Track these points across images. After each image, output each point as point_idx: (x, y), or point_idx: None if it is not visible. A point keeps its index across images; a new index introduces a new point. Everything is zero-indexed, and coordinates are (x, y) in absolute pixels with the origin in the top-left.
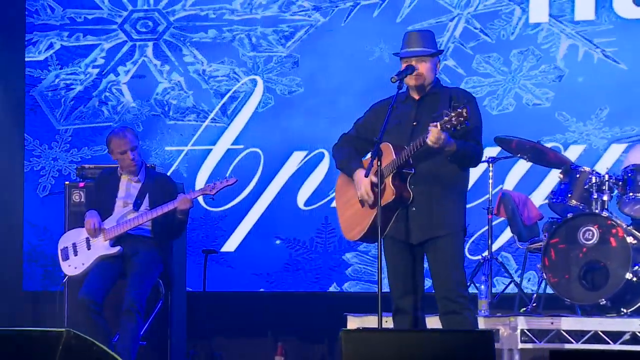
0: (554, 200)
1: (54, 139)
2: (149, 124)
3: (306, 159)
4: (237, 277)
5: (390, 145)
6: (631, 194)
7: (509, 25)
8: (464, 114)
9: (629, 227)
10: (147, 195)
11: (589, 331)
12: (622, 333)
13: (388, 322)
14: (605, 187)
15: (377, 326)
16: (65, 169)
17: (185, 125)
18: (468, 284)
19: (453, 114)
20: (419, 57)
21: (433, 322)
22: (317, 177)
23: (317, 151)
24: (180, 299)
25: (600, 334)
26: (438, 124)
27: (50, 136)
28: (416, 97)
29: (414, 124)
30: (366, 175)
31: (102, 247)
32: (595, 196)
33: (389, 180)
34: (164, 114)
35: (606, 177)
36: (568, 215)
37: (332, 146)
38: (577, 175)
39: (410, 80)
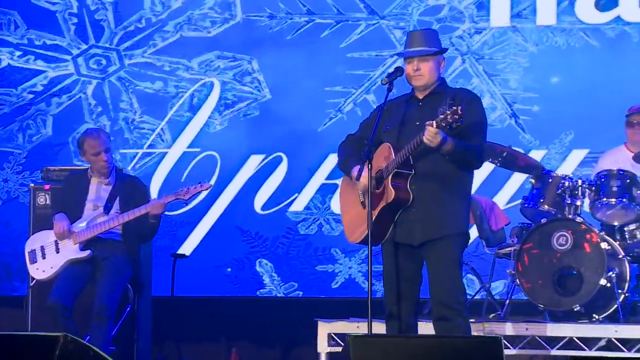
0: (525, 205)
1: None
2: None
3: (264, 162)
4: (192, 281)
5: (390, 146)
6: (604, 199)
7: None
8: (459, 111)
9: (601, 233)
10: (118, 198)
11: (564, 337)
12: (598, 339)
13: (360, 328)
14: (579, 192)
15: (357, 332)
16: None
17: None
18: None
19: (448, 112)
20: (422, 56)
21: (425, 328)
22: (274, 180)
23: (274, 155)
24: (147, 303)
25: (576, 340)
26: (434, 122)
27: None
28: (420, 96)
29: (417, 123)
30: (357, 178)
31: (71, 250)
32: (568, 201)
33: (388, 182)
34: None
35: (579, 182)
36: (542, 220)
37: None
38: (550, 180)
39: (414, 81)
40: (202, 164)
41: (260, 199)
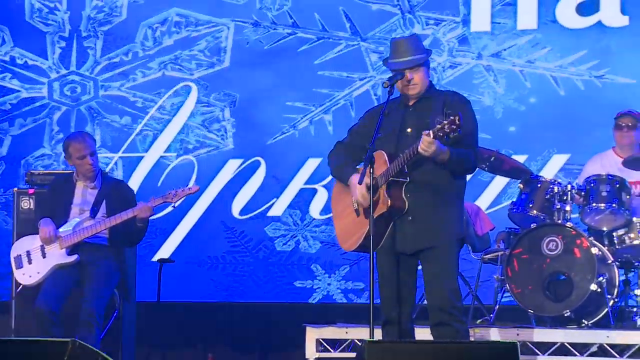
0: (514, 210)
1: None
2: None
3: (241, 167)
4: (171, 286)
5: (384, 153)
6: (594, 204)
7: None
8: (457, 121)
9: (590, 238)
10: (104, 202)
11: (555, 343)
12: (589, 345)
13: (349, 333)
14: (568, 198)
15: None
16: None
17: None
18: None
19: (446, 122)
20: (411, 67)
21: (422, 333)
22: (252, 186)
23: (252, 159)
24: (131, 309)
25: (567, 345)
26: (430, 132)
27: None
28: (409, 102)
29: (408, 130)
30: (360, 182)
31: (58, 255)
32: (558, 206)
33: (383, 190)
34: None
35: (568, 187)
36: (531, 225)
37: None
38: (538, 185)
39: (407, 91)
40: (178, 169)
41: (238, 204)
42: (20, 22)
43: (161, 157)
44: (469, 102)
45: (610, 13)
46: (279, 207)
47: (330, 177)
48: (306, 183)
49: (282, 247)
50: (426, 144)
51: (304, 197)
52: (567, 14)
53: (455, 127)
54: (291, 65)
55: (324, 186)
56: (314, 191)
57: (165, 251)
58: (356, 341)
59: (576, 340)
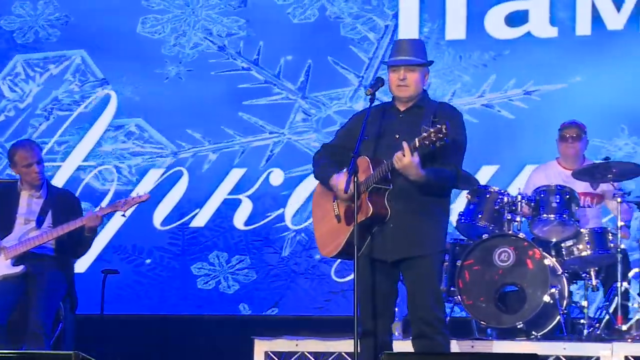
0: (462, 220)
1: None
2: None
3: (163, 177)
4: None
5: (368, 159)
6: (544, 215)
7: None
8: (443, 130)
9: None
10: (50, 212)
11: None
12: (546, 357)
13: (299, 346)
14: (518, 208)
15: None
16: None
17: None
18: None
19: (432, 130)
20: (408, 66)
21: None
22: (174, 196)
23: (175, 169)
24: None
25: None
26: (416, 140)
27: None
28: (401, 108)
29: (397, 136)
30: (346, 190)
31: (3, 266)
32: (508, 217)
33: (365, 197)
34: None
35: (518, 197)
36: (483, 236)
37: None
38: (487, 196)
39: (398, 92)
40: (98, 178)
41: (160, 214)
42: None
43: (79, 166)
44: (461, 115)
45: (539, 24)
46: (201, 218)
47: (254, 188)
48: (230, 193)
49: (203, 286)
50: (399, 158)
51: (228, 208)
52: (496, 25)
53: (442, 135)
54: (223, 97)
55: (248, 197)
56: (238, 201)
57: (84, 262)
58: (306, 354)
59: (533, 351)
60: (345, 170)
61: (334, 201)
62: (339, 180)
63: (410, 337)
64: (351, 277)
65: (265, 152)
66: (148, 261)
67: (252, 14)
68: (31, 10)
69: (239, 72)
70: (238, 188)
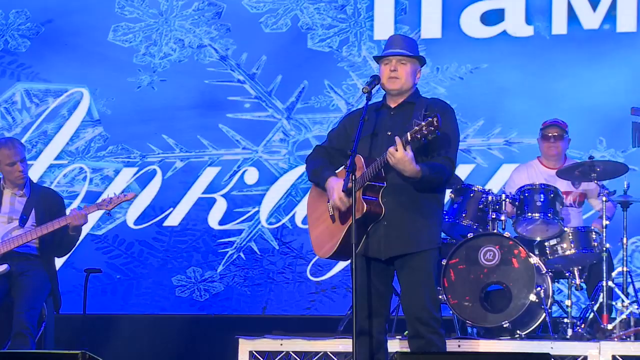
0: (446, 219)
1: None
2: None
3: (136, 175)
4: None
5: (362, 157)
6: (529, 214)
7: None
8: (435, 122)
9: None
10: (34, 211)
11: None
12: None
13: (284, 345)
14: (502, 207)
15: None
16: None
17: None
18: None
19: (424, 123)
20: (399, 58)
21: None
22: (148, 194)
23: (148, 168)
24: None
25: None
26: (408, 134)
27: None
28: (392, 105)
29: (389, 133)
30: (344, 189)
31: None
32: (493, 216)
33: (359, 194)
34: None
35: (503, 196)
36: (468, 235)
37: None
38: (471, 195)
39: (389, 84)
40: (69, 176)
41: (133, 213)
42: None
43: (51, 164)
44: (452, 110)
45: (515, 23)
46: (175, 217)
47: (228, 187)
48: (204, 192)
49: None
50: (397, 158)
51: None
52: (471, 24)
53: (433, 128)
54: (209, 107)
55: (223, 195)
56: (213, 200)
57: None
58: (291, 353)
59: (519, 350)
60: (342, 168)
61: (328, 202)
62: (336, 183)
63: (399, 337)
64: (327, 276)
65: (231, 167)
66: (118, 277)
67: (227, 23)
68: (2, 19)
69: (233, 83)
70: (212, 187)
